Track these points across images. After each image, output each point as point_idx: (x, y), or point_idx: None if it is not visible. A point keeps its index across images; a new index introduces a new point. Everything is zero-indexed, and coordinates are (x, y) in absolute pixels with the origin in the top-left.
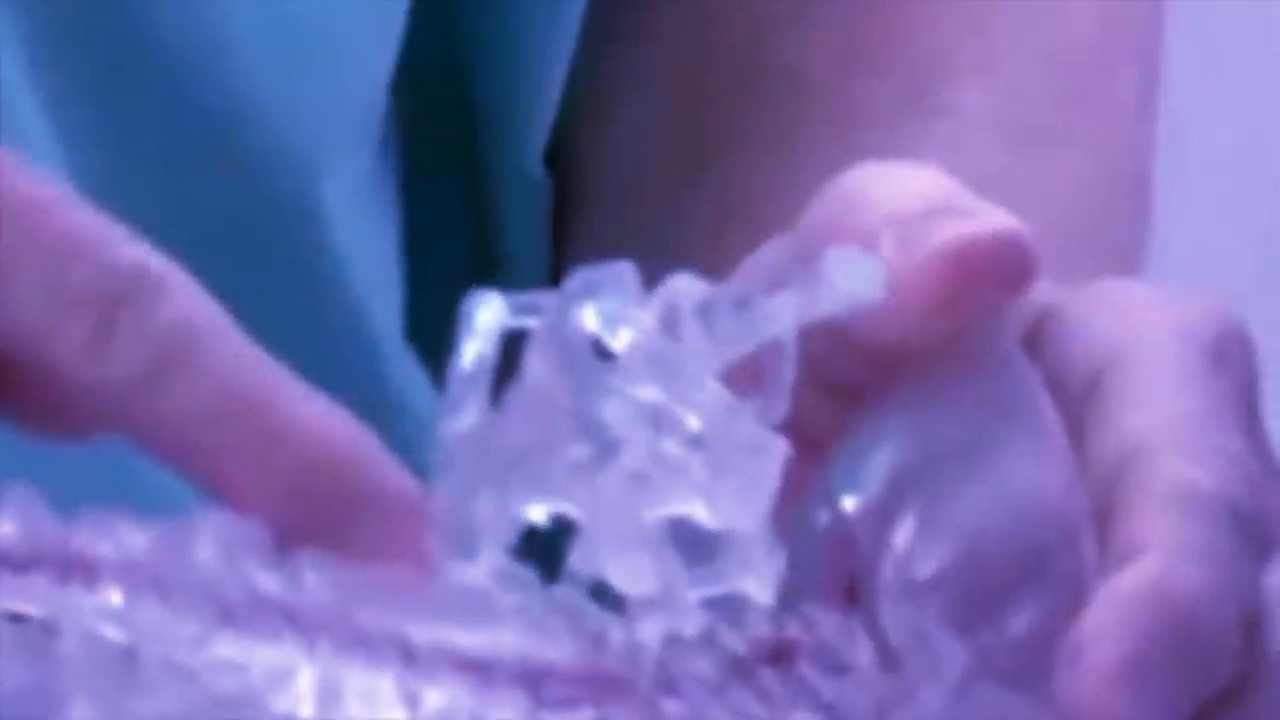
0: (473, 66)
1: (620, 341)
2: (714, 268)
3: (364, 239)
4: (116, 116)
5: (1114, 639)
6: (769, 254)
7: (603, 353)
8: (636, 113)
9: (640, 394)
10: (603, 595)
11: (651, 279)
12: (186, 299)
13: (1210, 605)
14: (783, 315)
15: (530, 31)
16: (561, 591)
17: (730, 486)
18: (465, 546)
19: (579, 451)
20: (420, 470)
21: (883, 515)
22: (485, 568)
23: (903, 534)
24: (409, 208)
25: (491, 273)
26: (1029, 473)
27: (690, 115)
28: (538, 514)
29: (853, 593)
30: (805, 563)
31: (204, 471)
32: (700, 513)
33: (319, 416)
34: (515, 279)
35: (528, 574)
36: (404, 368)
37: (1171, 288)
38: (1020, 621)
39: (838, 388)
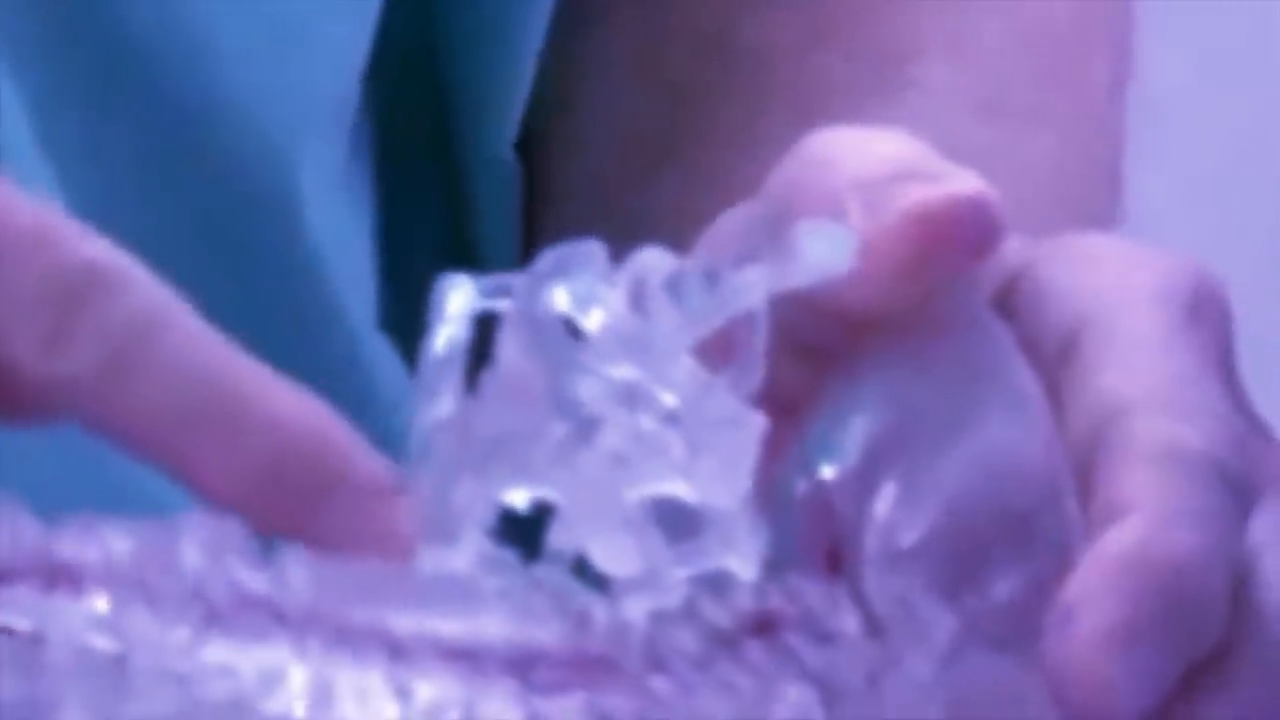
0: (446, 54)
1: (592, 321)
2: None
3: (339, 228)
4: (96, 113)
5: (1103, 602)
6: (734, 221)
7: (575, 332)
8: (603, 103)
9: (614, 373)
10: (584, 571)
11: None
12: (144, 293)
13: (1199, 568)
14: (754, 289)
15: (503, 17)
16: (543, 570)
17: (710, 464)
18: (446, 533)
19: (557, 434)
20: (397, 459)
21: (862, 483)
22: (467, 553)
23: (883, 503)
24: (383, 197)
25: (465, 261)
26: (1007, 435)
27: (656, 103)
28: (519, 499)
29: (834, 558)
30: (785, 531)
31: (171, 464)
32: (681, 491)
33: (287, 404)
34: (488, 268)
35: (509, 556)
36: (379, 356)
37: (1144, 242)
38: (1005, 585)
39: (808, 350)
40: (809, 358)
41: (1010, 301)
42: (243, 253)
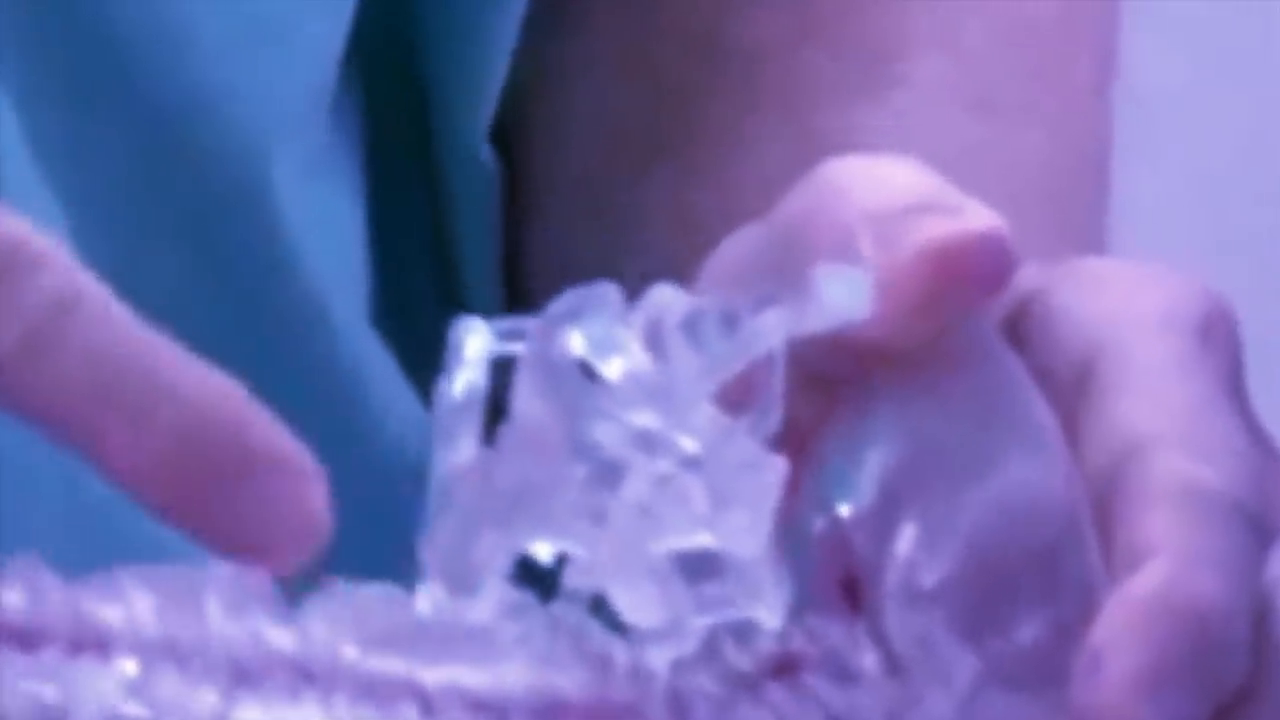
0: (422, 50)
1: (611, 369)
2: (671, 257)
3: (321, 224)
4: (78, 111)
5: (1130, 647)
6: (742, 246)
7: (590, 373)
8: (589, 100)
9: (635, 420)
10: (601, 609)
11: (609, 270)
12: (60, 273)
13: (1224, 611)
14: (772, 333)
15: (475, 14)
16: (560, 609)
17: (734, 516)
18: (465, 583)
19: (579, 485)
20: (381, 455)
21: (880, 520)
22: (487, 602)
23: (904, 542)
24: (369, 192)
25: (447, 258)
26: (1027, 474)
27: (643, 101)
28: (543, 552)
29: (850, 589)
30: (801, 567)
31: (84, 444)
32: (706, 542)
33: (203, 384)
34: (467, 264)
35: (526, 598)
36: (368, 354)
37: (1151, 264)
38: (1029, 628)
39: (818, 380)
40: (818, 387)
41: (1021, 327)
42: (221, 250)
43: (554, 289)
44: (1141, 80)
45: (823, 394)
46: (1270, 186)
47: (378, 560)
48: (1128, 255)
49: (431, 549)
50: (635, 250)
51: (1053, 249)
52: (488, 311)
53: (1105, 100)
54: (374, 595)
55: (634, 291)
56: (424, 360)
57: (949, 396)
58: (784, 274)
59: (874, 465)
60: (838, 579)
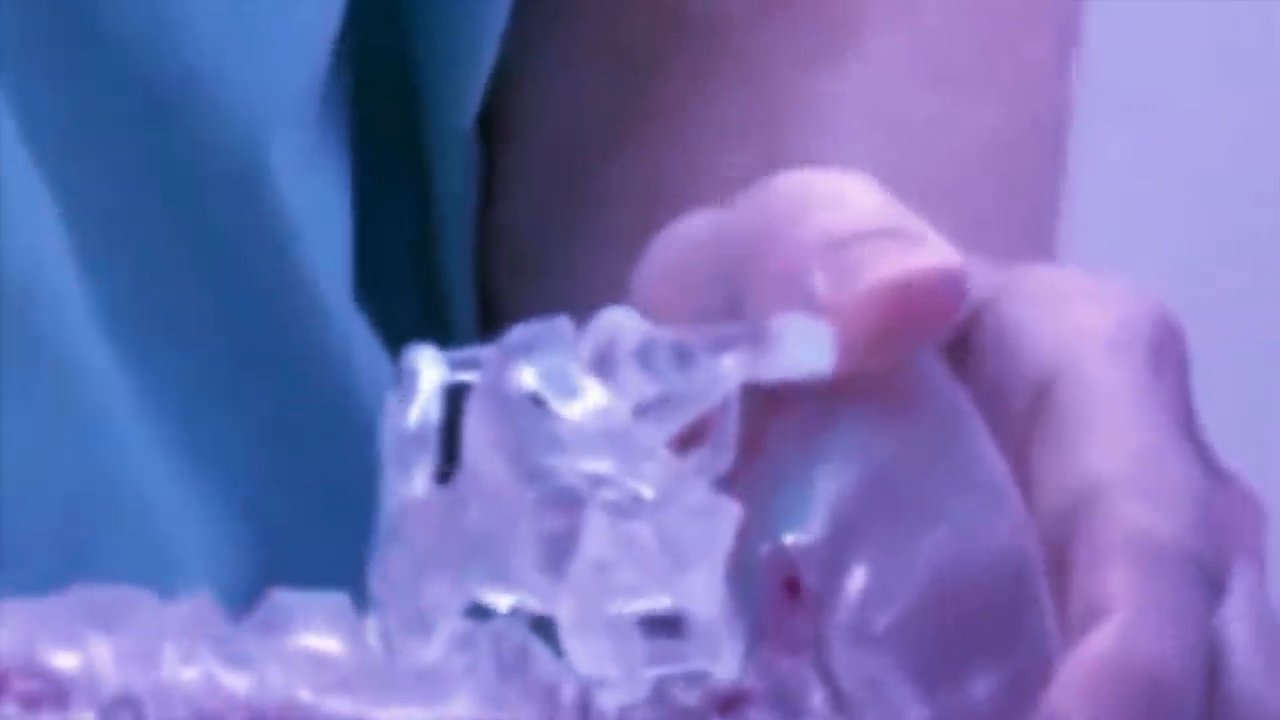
0: (411, 34)
1: (565, 409)
2: (634, 234)
3: (315, 208)
4: (74, 103)
5: (1087, 710)
6: (687, 246)
7: (542, 404)
8: (567, 91)
9: (588, 465)
10: (544, 626)
11: (573, 262)
12: None
13: (1178, 670)
14: (729, 379)
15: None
16: (504, 625)
17: (691, 577)
18: (416, 624)
19: (535, 532)
20: (369, 442)
21: (828, 555)
22: (439, 640)
23: (854, 582)
24: (358, 172)
25: (430, 246)
26: (982, 521)
27: (612, 83)
28: (501, 602)
29: (795, 590)
30: (748, 596)
31: None
32: (663, 604)
33: None
34: (450, 255)
35: (473, 627)
36: (356, 336)
37: (1103, 274)
38: (982, 681)
39: (759, 390)
40: (762, 391)
41: (973, 337)
42: (219, 237)
43: (521, 282)
44: (1141, 80)
45: (765, 397)
46: (1270, 186)
47: (364, 545)
48: (1128, 256)
49: (383, 585)
50: (599, 234)
51: (1004, 223)
52: (465, 300)
53: (1064, 77)
54: (323, 623)
55: (596, 279)
56: (399, 349)
57: (900, 430)
58: (737, 302)
59: (825, 493)
60: (785, 611)
